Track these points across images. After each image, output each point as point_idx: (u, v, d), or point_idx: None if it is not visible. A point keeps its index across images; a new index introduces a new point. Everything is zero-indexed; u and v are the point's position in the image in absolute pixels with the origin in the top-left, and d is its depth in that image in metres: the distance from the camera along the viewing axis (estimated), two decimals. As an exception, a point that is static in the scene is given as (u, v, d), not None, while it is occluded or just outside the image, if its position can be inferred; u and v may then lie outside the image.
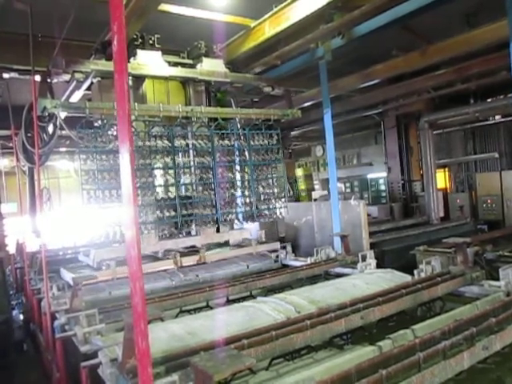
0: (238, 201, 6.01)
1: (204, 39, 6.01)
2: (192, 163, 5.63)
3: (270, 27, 5.85)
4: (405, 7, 5.26)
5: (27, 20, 4.47)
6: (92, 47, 5.63)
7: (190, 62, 6.01)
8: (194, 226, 5.72)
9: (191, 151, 5.63)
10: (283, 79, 7.17)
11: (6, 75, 6.63)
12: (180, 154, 5.60)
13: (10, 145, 9.73)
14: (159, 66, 5.56)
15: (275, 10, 5.70)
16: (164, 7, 5.31)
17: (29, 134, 6.15)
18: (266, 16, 5.87)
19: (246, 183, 6.03)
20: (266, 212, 6.17)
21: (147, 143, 5.24)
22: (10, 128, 7.87)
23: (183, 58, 6.10)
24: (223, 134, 5.85)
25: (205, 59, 5.90)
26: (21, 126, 6.17)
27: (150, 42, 5.49)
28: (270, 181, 6.21)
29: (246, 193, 6.02)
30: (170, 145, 5.40)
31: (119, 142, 1.68)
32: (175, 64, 5.88)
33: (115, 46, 1.60)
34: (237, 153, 6.03)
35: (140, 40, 5.41)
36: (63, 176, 15.51)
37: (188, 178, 5.64)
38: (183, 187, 5.67)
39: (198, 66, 5.86)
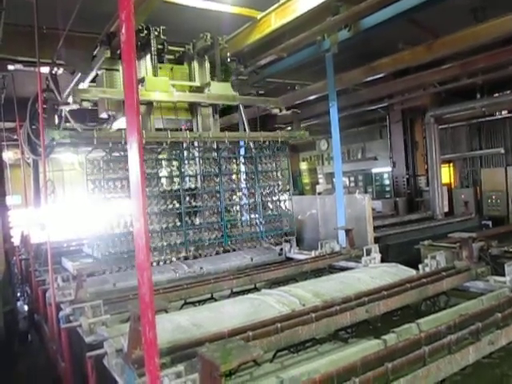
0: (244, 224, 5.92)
1: (210, 32, 5.96)
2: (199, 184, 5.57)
3: (276, 19, 5.81)
4: (412, 0, 5.21)
5: (32, 12, 4.45)
6: (97, 39, 5.61)
7: (198, 84, 5.97)
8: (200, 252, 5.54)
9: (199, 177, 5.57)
10: (288, 72, 7.15)
11: (10, 67, 6.63)
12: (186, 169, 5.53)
13: (15, 137, 9.74)
14: (167, 93, 5.50)
15: (282, 1, 5.66)
16: (170, -2, 5.29)
17: (34, 126, 6.17)
18: (273, 8, 5.84)
19: (253, 206, 5.97)
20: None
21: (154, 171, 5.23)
22: (15, 120, 7.89)
23: (192, 82, 6.00)
24: (230, 158, 5.82)
25: (212, 83, 5.85)
26: (26, 118, 6.19)
27: (156, 33, 5.44)
28: (278, 203, 6.11)
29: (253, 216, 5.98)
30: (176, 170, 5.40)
31: (127, 132, 1.67)
32: (182, 87, 5.86)
33: (123, 34, 1.59)
34: (243, 170, 5.97)
35: (145, 31, 5.37)
36: (67, 169, 15.52)
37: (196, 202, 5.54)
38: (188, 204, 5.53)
39: (206, 90, 5.81)
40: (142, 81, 5.35)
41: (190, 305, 4.21)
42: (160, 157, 5.36)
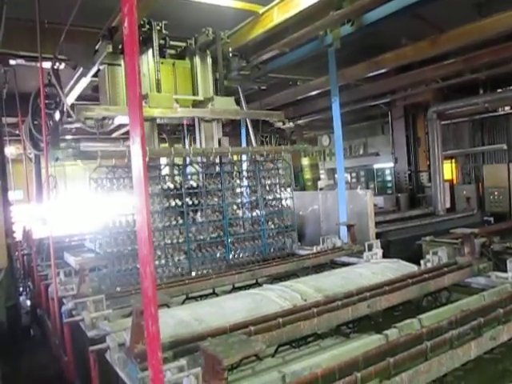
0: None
1: (212, 26, 5.94)
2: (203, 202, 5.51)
3: (278, 13, 5.78)
4: (416, -6, 5.17)
5: (34, 6, 4.44)
6: (99, 34, 5.59)
7: (201, 98, 5.96)
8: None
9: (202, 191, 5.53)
10: (291, 67, 7.12)
11: (12, 62, 6.61)
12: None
13: (17, 132, 9.74)
14: (171, 109, 5.47)
15: (284, -4, 5.63)
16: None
17: (35, 122, 6.16)
18: (275, 2, 5.80)
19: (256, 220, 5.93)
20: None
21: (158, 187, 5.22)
22: (17, 115, 7.89)
23: (195, 98, 5.99)
24: (232, 172, 5.81)
25: (216, 98, 5.83)
26: (27, 113, 6.18)
27: (158, 28, 5.42)
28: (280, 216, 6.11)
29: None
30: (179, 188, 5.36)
31: (130, 126, 1.67)
32: (186, 102, 5.86)
33: (126, 28, 1.58)
34: (246, 186, 5.95)
35: (147, 26, 5.36)
36: (69, 164, 15.51)
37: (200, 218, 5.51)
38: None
39: (209, 104, 5.79)
40: (145, 97, 5.32)
41: (192, 300, 4.22)
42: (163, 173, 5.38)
